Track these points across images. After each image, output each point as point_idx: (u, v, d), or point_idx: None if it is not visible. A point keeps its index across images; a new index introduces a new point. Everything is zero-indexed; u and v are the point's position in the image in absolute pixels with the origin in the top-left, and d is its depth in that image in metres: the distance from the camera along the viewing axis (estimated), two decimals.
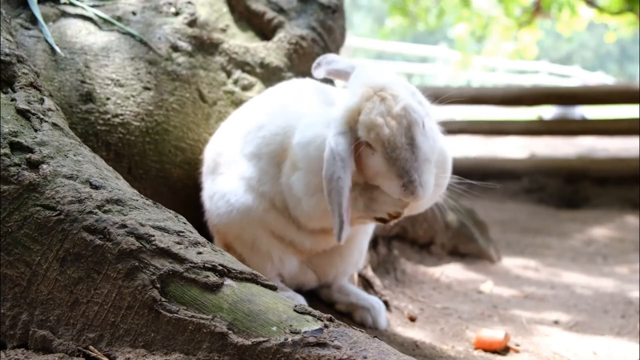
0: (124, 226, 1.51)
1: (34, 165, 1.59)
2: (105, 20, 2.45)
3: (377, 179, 1.81)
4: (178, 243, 1.52)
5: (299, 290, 2.22)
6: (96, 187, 1.59)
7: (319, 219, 1.96)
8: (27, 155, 1.60)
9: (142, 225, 1.53)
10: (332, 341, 1.34)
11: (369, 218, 1.95)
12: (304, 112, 1.99)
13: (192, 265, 1.47)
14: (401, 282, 2.83)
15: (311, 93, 2.08)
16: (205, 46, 2.56)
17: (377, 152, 1.77)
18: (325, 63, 2.02)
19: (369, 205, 1.88)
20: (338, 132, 1.79)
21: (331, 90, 2.12)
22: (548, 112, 10.21)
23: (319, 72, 2.03)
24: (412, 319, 2.41)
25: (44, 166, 1.59)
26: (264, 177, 2.01)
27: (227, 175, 2.09)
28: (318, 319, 1.41)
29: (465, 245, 3.44)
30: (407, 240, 3.29)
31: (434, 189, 1.84)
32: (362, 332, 1.41)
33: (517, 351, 2.16)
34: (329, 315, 1.43)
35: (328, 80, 2.66)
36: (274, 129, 2.02)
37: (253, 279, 1.51)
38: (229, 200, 2.04)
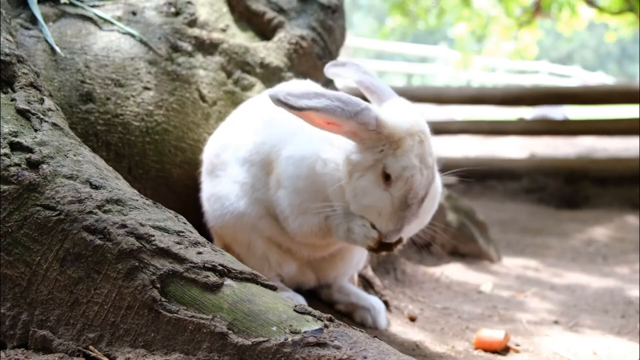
0: (124, 226, 1.51)
1: (34, 165, 1.59)
2: (105, 20, 2.45)
3: (370, 209, 1.79)
4: (178, 243, 1.52)
5: (298, 290, 2.22)
6: (96, 187, 1.59)
7: (304, 237, 1.96)
8: (27, 155, 1.60)
9: (142, 225, 1.53)
10: (332, 341, 1.34)
11: (351, 244, 1.95)
12: (297, 125, 1.93)
13: (192, 265, 1.47)
14: (401, 282, 2.83)
15: None
16: (205, 46, 2.56)
17: (391, 189, 1.74)
18: (359, 70, 1.95)
19: (349, 236, 1.85)
20: (376, 114, 1.72)
21: None
22: (530, 112, 10.07)
23: (342, 72, 1.96)
24: (412, 319, 2.41)
25: (44, 166, 1.59)
26: (257, 184, 2.01)
27: (222, 178, 2.09)
28: (318, 319, 1.41)
29: (465, 245, 3.44)
30: (407, 241, 3.29)
31: (417, 223, 1.90)
32: (362, 332, 1.41)
33: (517, 351, 2.16)
34: (329, 315, 1.43)
35: (327, 82, 2.65)
36: (263, 137, 2.01)
37: (253, 279, 1.51)
38: (223, 204, 2.04)
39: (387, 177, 1.74)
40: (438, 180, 2.02)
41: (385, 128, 1.72)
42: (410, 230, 1.89)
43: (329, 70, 2.00)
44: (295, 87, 1.68)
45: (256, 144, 2.02)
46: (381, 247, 1.85)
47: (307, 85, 2.07)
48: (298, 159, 1.88)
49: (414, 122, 1.76)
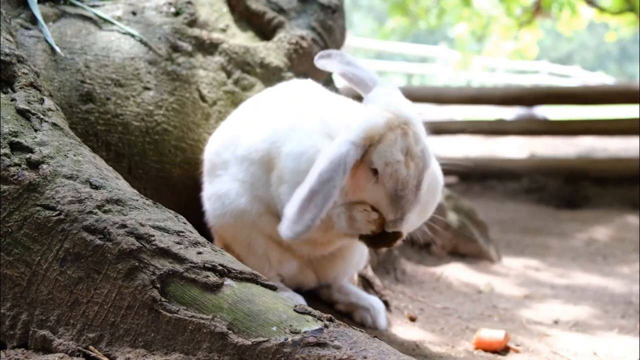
0: (124, 226, 1.51)
1: (34, 165, 1.59)
2: (105, 20, 2.45)
3: (369, 202, 1.80)
4: (178, 243, 1.52)
5: (298, 290, 2.22)
6: (96, 187, 1.59)
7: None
8: (27, 155, 1.60)
9: (142, 225, 1.52)
10: (332, 341, 1.34)
11: (353, 236, 1.94)
12: (296, 122, 1.95)
13: (192, 265, 1.47)
14: (401, 282, 2.83)
15: (308, 99, 2.05)
16: (205, 46, 2.56)
17: (382, 184, 1.75)
18: (342, 61, 1.93)
19: (352, 224, 1.85)
20: (352, 141, 1.72)
21: (329, 97, 2.10)
22: (510, 112, 10.00)
23: (328, 64, 1.95)
24: (412, 319, 2.41)
25: (44, 166, 1.59)
26: (257, 182, 2.00)
27: (222, 177, 2.09)
28: (318, 319, 1.41)
29: (465, 245, 3.45)
30: (407, 240, 3.29)
31: (421, 214, 1.95)
32: (362, 332, 1.41)
33: (517, 351, 2.16)
34: (329, 315, 1.43)
35: (327, 81, 2.65)
36: (263, 135, 2.00)
37: (253, 279, 1.51)
38: (223, 203, 2.04)
39: (375, 172, 1.75)
40: (438, 173, 2.02)
41: (364, 139, 1.73)
42: (413, 221, 1.88)
43: (319, 62, 1.98)
44: (289, 207, 1.69)
45: (255, 142, 2.01)
46: (381, 241, 1.86)
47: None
48: (297, 154, 1.88)
49: (393, 116, 1.76)
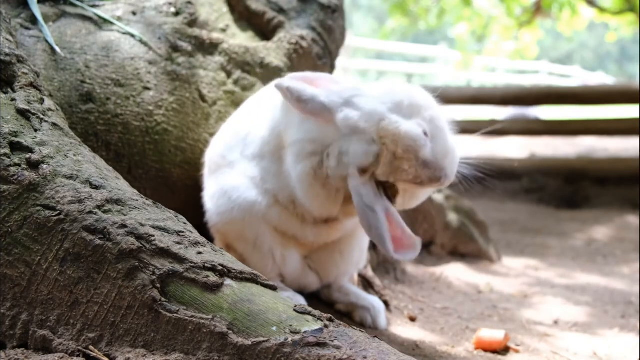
0: (124, 226, 1.51)
1: (34, 165, 1.59)
2: (105, 20, 2.45)
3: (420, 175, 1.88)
4: (178, 243, 1.52)
5: (300, 293, 2.21)
6: (96, 187, 1.59)
7: (305, 183, 1.93)
8: (27, 155, 1.60)
9: (142, 225, 1.52)
10: (332, 341, 1.34)
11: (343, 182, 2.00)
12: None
13: (192, 265, 1.47)
14: (401, 282, 2.83)
15: None
16: (205, 46, 2.56)
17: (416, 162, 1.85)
18: (299, 101, 1.89)
19: (340, 160, 1.86)
20: (361, 182, 1.82)
21: None
22: (504, 112, 9.99)
23: (297, 108, 1.92)
24: (412, 319, 2.41)
25: (44, 166, 1.59)
26: (267, 176, 2.01)
27: (229, 174, 2.09)
28: (318, 319, 1.41)
29: (465, 245, 3.45)
30: None
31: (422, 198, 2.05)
32: (362, 332, 1.41)
33: (517, 351, 2.16)
34: (329, 315, 1.43)
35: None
36: (273, 125, 2.01)
37: (253, 279, 1.51)
38: (230, 198, 2.04)
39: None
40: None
41: (366, 166, 1.82)
42: (455, 166, 2.00)
43: (292, 104, 1.93)
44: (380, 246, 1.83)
45: (264, 137, 2.03)
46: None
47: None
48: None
49: (379, 146, 1.82)
